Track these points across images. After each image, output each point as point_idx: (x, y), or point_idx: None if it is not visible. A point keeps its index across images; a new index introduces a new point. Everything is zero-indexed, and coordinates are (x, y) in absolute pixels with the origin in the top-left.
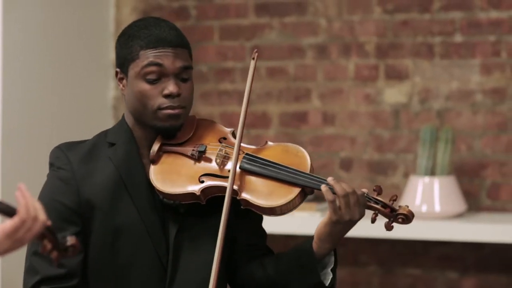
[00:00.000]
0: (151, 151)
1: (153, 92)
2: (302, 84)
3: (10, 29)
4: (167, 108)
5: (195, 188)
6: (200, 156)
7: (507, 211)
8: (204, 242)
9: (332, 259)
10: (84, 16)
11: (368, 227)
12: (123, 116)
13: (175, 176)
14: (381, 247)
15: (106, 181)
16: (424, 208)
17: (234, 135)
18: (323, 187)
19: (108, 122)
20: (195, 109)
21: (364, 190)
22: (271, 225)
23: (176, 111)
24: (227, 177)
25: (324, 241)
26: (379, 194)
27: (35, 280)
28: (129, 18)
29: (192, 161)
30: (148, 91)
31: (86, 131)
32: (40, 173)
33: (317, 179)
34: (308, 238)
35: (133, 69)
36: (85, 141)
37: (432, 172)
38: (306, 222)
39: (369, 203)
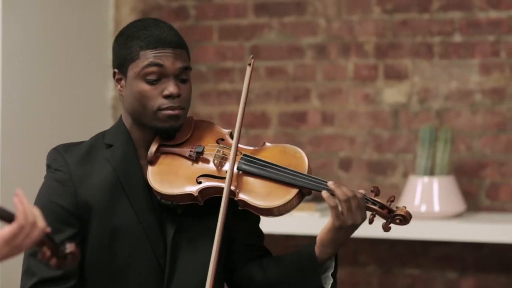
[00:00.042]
0: (149, 152)
1: (153, 93)
2: (301, 84)
3: (10, 29)
4: (167, 108)
5: (193, 189)
6: (197, 157)
7: (506, 211)
8: (202, 243)
9: (333, 263)
10: (83, 16)
11: (367, 227)
12: (120, 117)
13: (173, 177)
14: (380, 247)
15: (103, 183)
16: (423, 208)
17: (232, 136)
18: (324, 193)
19: (107, 122)
20: (194, 109)
21: (362, 191)
22: (270, 225)
23: (176, 111)
24: (225, 178)
25: (326, 246)
26: (376, 195)
27: (32, 282)
28: (128, 18)
29: (190, 162)
30: (148, 92)
31: (85, 131)
32: (40, 173)
33: (316, 181)
34: (310, 241)
35: (133, 70)
36: (82, 142)
37: (431, 172)
38: (305, 222)
39: (366, 204)
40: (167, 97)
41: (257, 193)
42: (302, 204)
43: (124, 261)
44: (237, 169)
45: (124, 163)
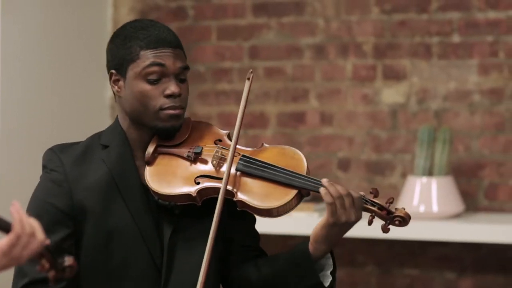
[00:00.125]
0: (146, 152)
1: (154, 93)
2: (300, 84)
3: (9, 29)
4: (169, 108)
5: (191, 189)
6: (196, 158)
7: (505, 212)
8: (199, 243)
9: (330, 262)
10: (82, 16)
11: (365, 227)
12: (116, 118)
13: (171, 178)
14: (379, 247)
15: (98, 183)
16: (421, 209)
17: (229, 137)
18: (322, 190)
19: (105, 122)
20: (192, 110)
21: (361, 192)
22: (269, 225)
23: (177, 111)
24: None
25: (320, 243)
26: (375, 196)
27: (23, 283)
28: (126, 18)
29: (188, 163)
30: (149, 92)
31: (83, 131)
32: (39, 173)
33: (314, 181)
34: (304, 240)
35: (133, 70)
36: (78, 143)
37: (429, 173)
38: (304, 222)
39: (365, 205)
40: (168, 96)
41: (256, 194)
42: (300, 205)
43: (120, 262)
44: (236, 170)
45: (120, 164)
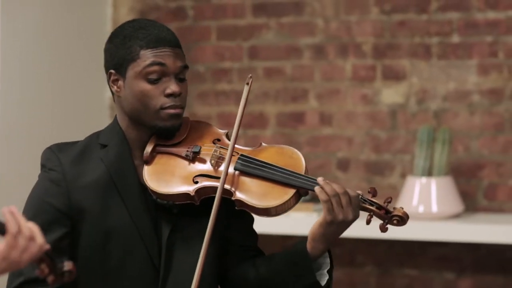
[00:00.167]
0: (144, 151)
1: (154, 92)
2: (299, 84)
3: (8, 29)
4: (169, 107)
5: (190, 188)
6: (194, 157)
7: (504, 212)
8: (197, 243)
9: (327, 260)
10: (81, 16)
11: (364, 227)
12: (115, 118)
13: (169, 177)
14: (378, 248)
15: (97, 183)
16: (421, 209)
17: (228, 137)
18: (317, 188)
19: (105, 122)
20: (192, 110)
21: (359, 192)
22: (268, 225)
23: (177, 110)
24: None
25: (318, 241)
26: (373, 196)
27: (18, 281)
28: (126, 18)
29: (186, 162)
30: (150, 91)
31: (83, 131)
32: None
33: (311, 180)
34: (302, 239)
35: (133, 69)
36: (76, 142)
37: (429, 173)
38: (303, 222)
39: (363, 205)
40: (169, 96)
41: (254, 193)
42: (299, 205)
43: (118, 262)
44: (234, 169)
45: (118, 163)
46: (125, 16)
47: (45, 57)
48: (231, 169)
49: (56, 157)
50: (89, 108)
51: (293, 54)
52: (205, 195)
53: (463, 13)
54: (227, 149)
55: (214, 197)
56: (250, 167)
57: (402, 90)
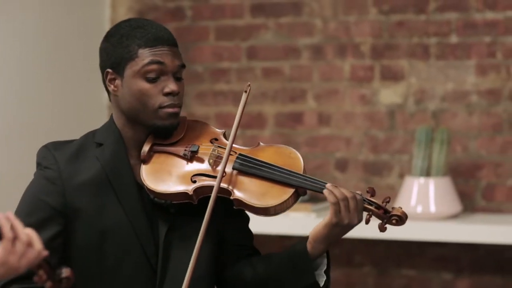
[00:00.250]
0: (142, 151)
1: (153, 91)
2: (297, 84)
3: (6, 29)
4: (168, 106)
5: (188, 187)
6: (192, 156)
7: (502, 212)
8: (194, 242)
9: (325, 260)
10: (79, 16)
11: (363, 228)
12: (111, 117)
13: (167, 176)
14: (376, 248)
15: (92, 181)
16: (419, 209)
17: (225, 136)
18: (326, 191)
19: (103, 121)
20: (190, 110)
21: (358, 192)
22: (266, 225)
23: (176, 109)
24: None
25: (319, 242)
26: (372, 195)
27: (7, 279)
28: (124, 18)
29: (184, 161)
30: (148, 90)
31: (81, 131)
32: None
33: (314, 181)
34: (301, 239)
35: (131, 68)
36: (72, 141)
37: (427, 173)
38: (301, 222)
39: (363, 205)
40: (167, 94)
41: (253, 193)
42: (298, 205)
43: (114, 262)
44: (233, 168)
45: (114, 162)
46: (124, 16)
47: (43, 57)
48: (229, 169)
49: (52, 155)
50: (87, 108)
51: (291, 54)
52: (203, 194)
53: (461, 14)
54: (225, 149)
55: None
56: (249, 167)
57: (400, 90)
